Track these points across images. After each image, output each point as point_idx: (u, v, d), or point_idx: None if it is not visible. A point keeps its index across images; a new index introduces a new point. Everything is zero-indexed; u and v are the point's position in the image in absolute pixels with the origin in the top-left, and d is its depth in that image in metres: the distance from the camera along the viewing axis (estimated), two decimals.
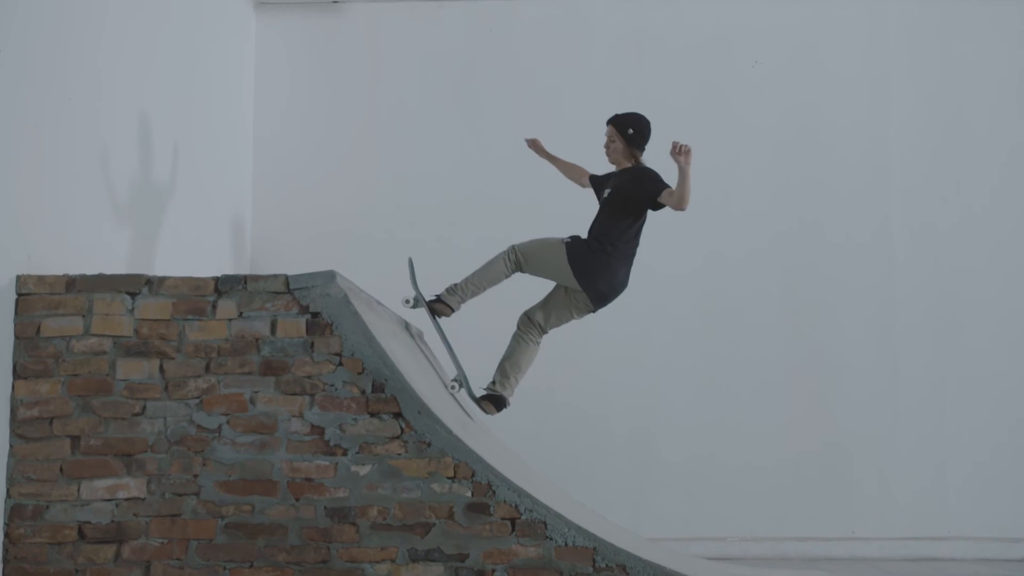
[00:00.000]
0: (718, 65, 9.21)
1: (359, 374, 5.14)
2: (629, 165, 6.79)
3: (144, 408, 5.14)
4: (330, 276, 5.22)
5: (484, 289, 6.73)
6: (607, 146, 6.82)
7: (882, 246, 9.03)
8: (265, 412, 5.14)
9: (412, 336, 6.98)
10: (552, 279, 6.79)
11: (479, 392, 6.74)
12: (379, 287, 6.80)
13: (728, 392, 8.94)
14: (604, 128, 6.83)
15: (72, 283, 5.24)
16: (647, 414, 8.96)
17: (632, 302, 8.95)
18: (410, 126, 9.19)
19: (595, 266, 6.61)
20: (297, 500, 5.08)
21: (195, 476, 5.10)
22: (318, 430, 5.12)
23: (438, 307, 6.65)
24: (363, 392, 5.13)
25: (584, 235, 6.72)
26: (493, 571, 5.04)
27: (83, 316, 5.20)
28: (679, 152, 6.20)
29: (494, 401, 6.74)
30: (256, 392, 5.15)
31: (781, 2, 9.21)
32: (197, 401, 5.15)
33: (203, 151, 8.16)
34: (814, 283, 9.05)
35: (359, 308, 5.25)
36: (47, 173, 5.80)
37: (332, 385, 5.14)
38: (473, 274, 6.72)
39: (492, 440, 6.54)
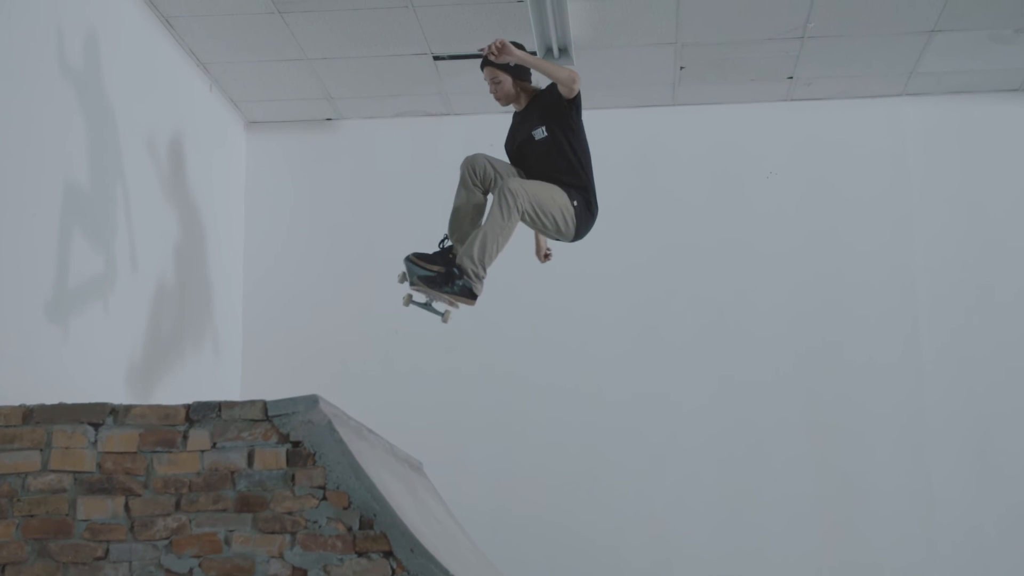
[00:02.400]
0: (730, 177, 8.83)
1: (345, 509, 4.64)
2: (528, 98, 6.20)
3: (107, 551, 4.65)
4: (312, 401, 4.76)
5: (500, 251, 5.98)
6: (495, 91, 6.16)
7: (910, 362, 8.51)
8: (241, 553, 4.63)
9: (411, 467, 6.51)
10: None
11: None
12: (376, 417, 6.33)
13: (750, 522, 8.35)
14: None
15: (29, 414, 4.78)
16: (664, 547, 8.36)
17: (646, 429, 8.53)
18: (407, 245, 8.78)
19: (589, 222, 6.12)
20: None
21: None
22: (300, 572, 4.59)
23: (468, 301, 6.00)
24: (350, 529, 4.62)
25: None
26: None
27: (41, 450, 4.74)
28: (495, 51, 5.81)
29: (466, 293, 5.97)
30: (231, 531, 4.65)
31: (793, 109, 8.86)
32: (166, 542, 4.65)
33: (188, 274, 7.84)
34: (838, 406, 8.50)
35: (345, 436, 4.78)
36: (7, 296, 5.49)
37: (315, 522, 4.64)
38: (481, 243, 5.91)
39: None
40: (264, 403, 4.76)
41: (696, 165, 8.90)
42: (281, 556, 4.62)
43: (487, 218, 5.94)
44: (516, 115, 6.33)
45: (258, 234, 8.94)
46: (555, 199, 5.98)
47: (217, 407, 4.78)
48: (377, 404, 7.77)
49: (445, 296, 6.05)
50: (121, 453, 4.73)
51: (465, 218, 6.22)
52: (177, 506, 4.68)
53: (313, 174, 9.05)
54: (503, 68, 6.09)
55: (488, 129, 8.79)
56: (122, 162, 6.88)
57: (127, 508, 4.68)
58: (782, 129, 8.88)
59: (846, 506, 8.37)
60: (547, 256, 6.70)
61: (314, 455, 4.69)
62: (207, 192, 8.24)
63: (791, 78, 8.49)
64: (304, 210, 9.00)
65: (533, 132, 6.11)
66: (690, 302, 8.72)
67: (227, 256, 8.60)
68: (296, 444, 4.71)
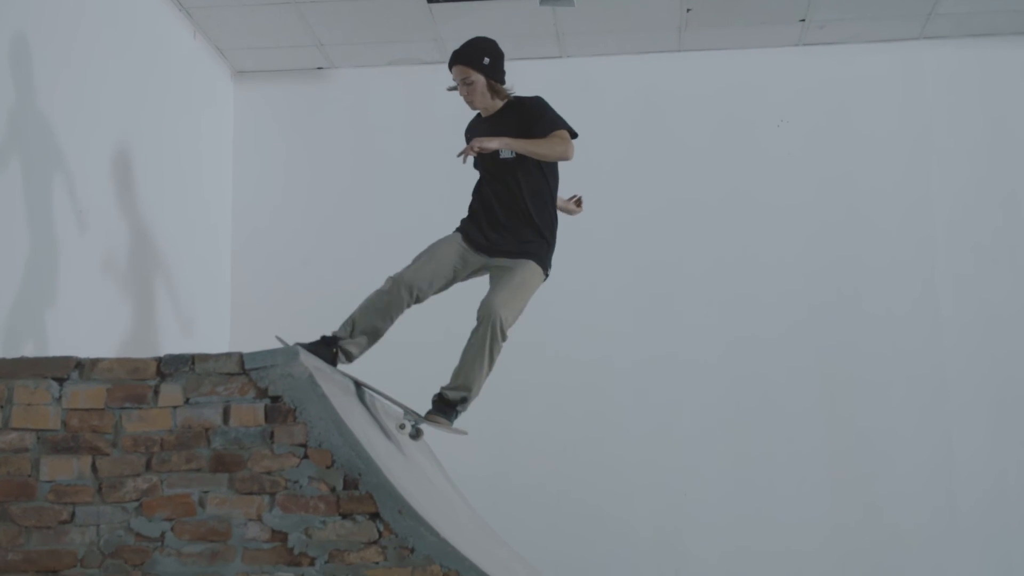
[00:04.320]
0: (740, 125, 8.59)
1: (328, 468, 4.34)
2: (503, 102, 5.61)
3: (73, 515, 4.36)
4: (292, 353, 4.47)
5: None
6: (467, 93, 5.58)
7: (927, 311, 8.30)
8: (216, 516, 4.34)
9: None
10: None
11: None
12: (370, 378, 5.99)
13: (763, 484, 8.14)
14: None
15: None
16: (673, 513, 8.15)
17: (653, 391, 8.25)
18: (402, 200, 8.52)
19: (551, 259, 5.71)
20: None
21: None
22: (280, 536, 4.30)
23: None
24: (333, 489, 4.33)
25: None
26: None
27: (1, 407, 4.44)
28: (472, 151, 5.26)
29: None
30: (206, 492, 4.36)
31: (805, 54, 8.58)
32: (136, 504, 4.36)
33: (174, 231, 7.61)
34: (853, 358, 8.29)
35: (328, 390, 4.48)
36: None
37: (296, 482, 4.34)
38: (475, 375, 5.50)
39: (494, 543, 5.72)
40: (240, 355, 4.47)
41: (704, 114, 8.65)
42: (259, 518, 4.33)
43: (486, 354, 5.47)
44: (483, 121, 5.72)
45: (247, 189, 8.71)
46: (533, 287, 5.64)
47: (190, 360, 4.48)
48: (371, 365, 7.43)
49: (448, 424, 5.60)
50: (87, 410, 4.44)
51: (377, 319, 5.76)
52: (148, 466, 4.39)
53: (304, 125, 8.81)
54: (475, 67, 5.53)
55: None
56: (101, 115, 6.67)
57: (94, 468, 4.40)
58: (794, 75, 8.64)
59: (863, 462, 8.18)
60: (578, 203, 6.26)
61: (294, 411, 4.40)
62: (193, 145, 8.05)
63: (803, 21, 8.22)
64: (294, 163, 8.75)
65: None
66: (699, 255, 8.49)
67: (215, 211, 8.40)
68: (275, 399, 4.41)
